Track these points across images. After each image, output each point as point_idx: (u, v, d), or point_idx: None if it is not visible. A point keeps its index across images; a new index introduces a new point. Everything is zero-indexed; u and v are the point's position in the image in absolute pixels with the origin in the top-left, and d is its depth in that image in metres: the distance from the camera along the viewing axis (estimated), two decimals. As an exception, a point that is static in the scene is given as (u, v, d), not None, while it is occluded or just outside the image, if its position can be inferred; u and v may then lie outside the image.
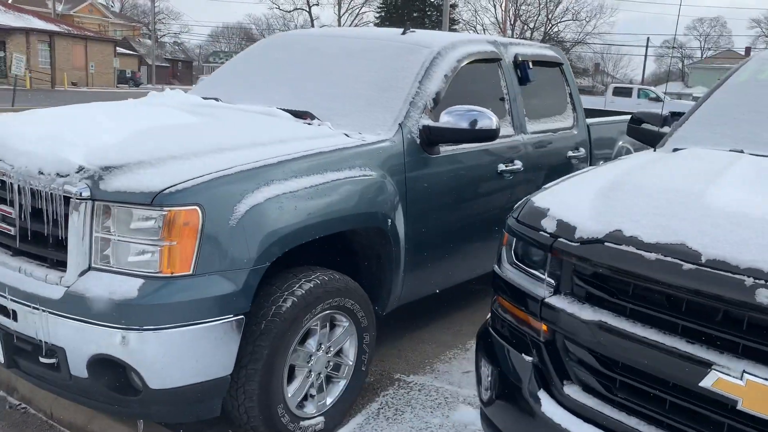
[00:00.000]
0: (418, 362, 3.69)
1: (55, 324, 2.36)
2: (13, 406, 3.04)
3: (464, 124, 3.17)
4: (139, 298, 2.27)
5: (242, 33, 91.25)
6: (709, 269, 1.63)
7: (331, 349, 2.92)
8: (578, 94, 4.73)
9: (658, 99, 27.85)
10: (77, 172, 2.36)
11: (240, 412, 2.63)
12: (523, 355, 2.10)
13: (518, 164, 3.89)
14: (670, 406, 1.75)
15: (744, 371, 1.55)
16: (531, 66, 4.15)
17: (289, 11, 72.26)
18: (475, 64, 3.76)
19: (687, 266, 1.67)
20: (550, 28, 56.55)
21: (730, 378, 1.57)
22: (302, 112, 3.26)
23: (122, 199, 2.30)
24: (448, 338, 4.03)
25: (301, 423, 2.80)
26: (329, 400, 2.95)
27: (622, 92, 28.17)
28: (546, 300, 2.00)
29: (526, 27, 55.75)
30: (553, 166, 4.30)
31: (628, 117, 5.63)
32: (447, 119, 3.22)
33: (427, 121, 3.27)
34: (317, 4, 76.90)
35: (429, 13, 53.47)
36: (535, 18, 56.50)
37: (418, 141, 3.24)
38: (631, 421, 1.82)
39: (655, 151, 2.95)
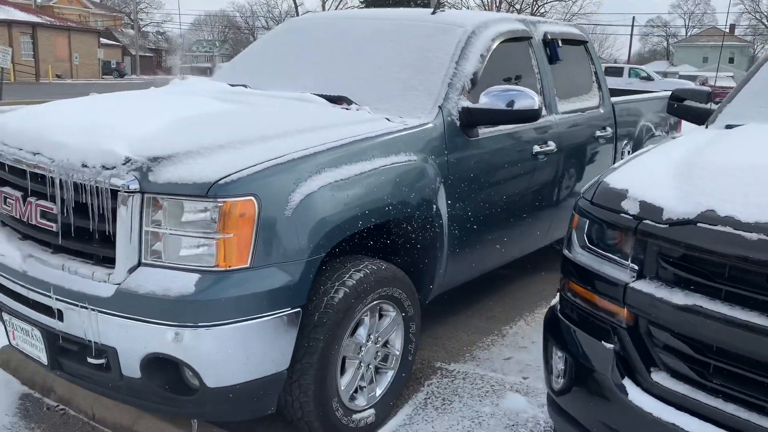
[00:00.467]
0: (457, 350, 3.62)
1: (105, 323, 2.26)
2: (51, 407, 2.95)
3: (506, 105, 3.08)
4: (196, 294, 2.17)
5: (225, 20, 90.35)
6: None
7: (380, 339, 2.84)
8: (603, 72, 4.65)
9: (649, 78, 27.85)
10: (124, 164, 2.24)
11: (294, 408, 2.55)
12: (602, 342, 2.02)
13: (552, 145, 3.81)
14: (774, 390, 1.68)
15: None
16: (560, 44, 4.06)
17: (273, -3, 71.62)
18: (508, 44, 3.66)
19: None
20: (537, 8, 56.28)
21: None
22: (337, 97, 3.15)
23: (174, 191, 2.20)
24: (483, 324, 3.97)
25: (354, 416, 2.73)
26: (378, 392, 2.88)
27: (613, 72, 28.07)
28: (630, 285, 1.92)
29: (512, 8, 55.43)
30: (583, 146, 4.23)
31: (651, 94, 5.58)
32: (486, 100, 3.13)
33: (466, 103, 3.18)
34: (301, -10, 76.19)
35: (414, -4, 52.99)
36: (521, -1, 56.25)
37: (458, 123, 3.15)
38: (729, 407, 1.75)
39: (707, 128, 2.88)
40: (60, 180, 2.34)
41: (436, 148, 3.01)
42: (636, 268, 1.95)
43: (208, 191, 2.17)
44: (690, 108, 3.22)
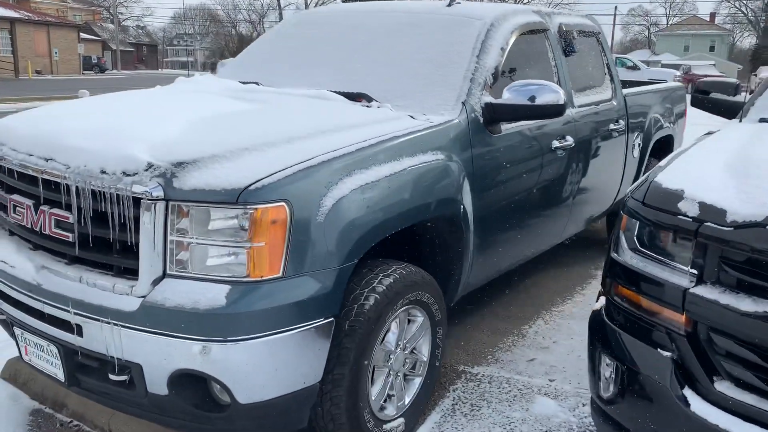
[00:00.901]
0: (478, 352, 3.53)
1: (129, 338, 2.14)
2: (65, 423, 2.81)
3: (530, 100, 2.97)
4: (227, 307, 2.05)
5: (206, 14, 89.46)
6: None
7: (407, 346, 2.74)
8: (615, 64, 4.56)
9: (635, 67, 27.90)
10: (146, 170, 2.11)
11: (325, 421, 2.44)
12: (658, 350, 1.93)
13: (570, 140, 3.72)
14: None
15: None
16: (576, 36, 3.96)
17: (255, -10, 71.03)
18: (525, 36, 3.56)
19: None
20: (520, -1, 56.18)
21: None
22: (356, 94, 3.03)
23: (201, 198, 2.07)
24: (501, 324, 3.88)
25: (384, 426, 2.63)
26: (407, 400, 2.78)
27: (599, 61, 28.00)
28: (691, 290, 1.83)
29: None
30: (599, 139, 4.14)
31: (658, 86, 5.51)
32: (510, 95, 3.03)
33: (489, 99, 3.07)
34: (283, -18, 75.62)
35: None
36: (505, -11, 56.13)
37: (481, 120, 3.04)
38: (802, 418, 1.68)
39: (740, 122, 2.80)
40: (77, 187, 2.20)
41: (461, 145, 2.91)
42: (695, 272, 1.86)
43: (238, 198, 2.05)
44: (717, 101, 3.14)
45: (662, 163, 2.22)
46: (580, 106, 3.96)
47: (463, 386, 3.16)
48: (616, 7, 63.21)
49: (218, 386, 2.17)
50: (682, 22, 76.42)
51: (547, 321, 3.94)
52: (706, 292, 1.81)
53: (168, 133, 2.32)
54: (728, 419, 1.76)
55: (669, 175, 2.06)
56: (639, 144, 4.85)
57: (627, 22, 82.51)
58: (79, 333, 2.24)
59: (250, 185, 2.07)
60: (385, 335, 2.58)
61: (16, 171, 2.41)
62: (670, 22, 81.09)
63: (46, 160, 2.30)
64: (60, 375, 2.40)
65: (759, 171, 1.92)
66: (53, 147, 2.32)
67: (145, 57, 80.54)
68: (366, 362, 2.43)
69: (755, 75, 39.63)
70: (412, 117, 2.84)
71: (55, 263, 2.37)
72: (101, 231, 2.21)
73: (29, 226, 2.39)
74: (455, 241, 2.92)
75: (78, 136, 2.32)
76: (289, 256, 2.12)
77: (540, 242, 3.87)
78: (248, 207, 2.05)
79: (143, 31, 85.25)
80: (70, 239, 2.27)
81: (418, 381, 2.83)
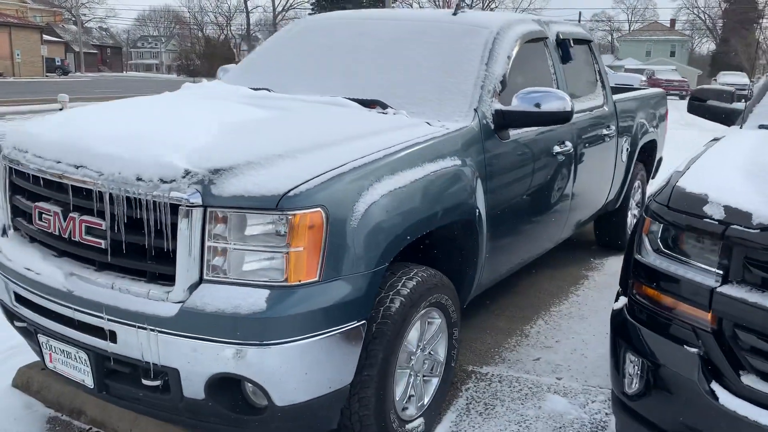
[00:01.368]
0: (484, 352, 3.61)
1: (166, 344, 2.16)
2: (83, 430, 2.81)
3: (539, 107, 3.07)
4: (268, 311, 2.09)
5: (171, 15, 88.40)
6: None
7: (426, 347, 2.80)
8: (606, 71, 4.70)
9: (602, 72, 28.33)
10: (183, 177, 2.14)
11: (353, 422, 2.49)
12: (684, 346, 2.03)
13: (569, 145, 3.83)
14: None
15: None
16: (572, 44, 4.08)
17: (221, -8, 70.49)
18: (528, 44, 3.66)
19: None
20: (488, 4, 56.88)
21: None
22: (370, 100, 3.09)
23: (240, 204, 2.11)
24: (503, 325, 3.97)
25: (406, 426, 2.69)
26: (426, 400, 2.84)
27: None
28: (718, 289, 1.94)
29: (463, 3, 55.92)
30: (593, 144, 4.27)
31: (643, 92, 5.67)
32: (519, 102, 3.12)
33: (498, 106, 3.16)
34: (250, -15, 75.18)
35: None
36: (472, -6, 56.69)
37: (492, 126, 3.13)
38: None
39: (741, 128, 2.93)
40: (110, 194, 2.21)
41: (475, 151, 2.99)
42: (720, 272, 1.96)
43: (277, 204, 2.09)
44: (714, 108, 3.28)
45: (680, 168, 2.33)
46: (577, 112, 4.07)
47: (475, 386, 3.24)
48: (580, 12, 64.34)
49: (254, 389, 2.21)
50: (644, 28, 78.24)
51: (547, 321, 4.05)
52: (733, 290, 1.91)
53: (199, 140, 2.34)
54: (756, 410, 1.86)
55: (690, 179, 2.16)
56: (627, 148, 5.00)
57: (591, 28, 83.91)
58: (113, 339, 2.25)
59: (288, 191, 2.11)
60: (407, 337, 2.64)
61: (44, 178, 2.41)
62: (632, 28, 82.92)
63: (77, 167, 2.30)
64: (88, 381, 2.40)
65: (776, 175, 2.03)
66: (83, 154, 2.32)
67: (108, 59, 79.22)
68: (393, 364, 2.49)
69: (715, 80, 40.83)
70: (428, 123, 2.91)
71: (84, 270, 2.37)
72: (135, 237, 2.22)
73: (57, 233, 2.39)
74: (470, 242, 2.99)
75: (108, 143, 2.33)
76: (325, 260, 2.17)
77: (544, 243, 4.00)
78: (287, 213, 2.09)
79: (106, 33, 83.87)
80: (102, 246, 2.28)
81: (435, 381, 2.90)
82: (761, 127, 2.85)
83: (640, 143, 5.25)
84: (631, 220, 5.57)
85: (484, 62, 3.27)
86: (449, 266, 3.01)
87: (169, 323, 2.13)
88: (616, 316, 2.33)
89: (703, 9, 73.94)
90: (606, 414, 3.00)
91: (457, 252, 3.00)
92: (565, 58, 4.04)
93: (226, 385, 2.19)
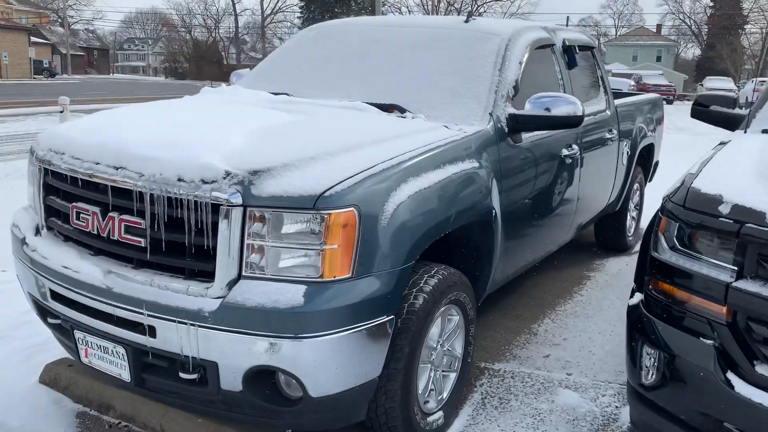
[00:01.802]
0: (495, 350, 3.72)
1: (205, 338, 2.25)
2: (113, 424, 2.88)
3: (551, 111, 3.20)
4: (305, 305, 2.19)
5: (158, 18, 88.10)
6: None
7: (445, 343, 2.91)
8: (607, 76, 4.84)
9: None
10: (224, 178, 2.23)
11: (378, 414, 2.59)
12: (700, 338, 2.15)
13: (575, 148, 3.96)
14: None
15: None
16: (577, 51, 4.22)
17: (209, -5, 70.30)
18: (537, 51, 3.78)
19: None
20: (476, 9, 57.19)
21: None
22: (389, 105, 3.20)
23: (278, 203, 2.21)
24: (512, 323, 4.08)
25: (428, 419, 2.80)
26: (445, 394, 2.95)
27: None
28: (734, 285, 2.06)
29: (451, 7, 56.17)
30: (597, 148, 4.40)
31: (640, 97, 5.81)
32: (531, 107, 3.24)
33: (512, 110, 3.28)
34: (238, -13, 75.17)
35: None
36: (461, -1, 57.02)
37: (506, 130, 3.25)
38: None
39: (745, 132, 3.07)
40: (151, 195, 2.30)
41: (491, 153, 3.10)
42: (735, 268, 2.08)
43: (314, 204, 2.19)
44: (717, 113, 3.41)
45: (692, 170, 2.45)
46: (582, 117, 4.20)
47: (489, 381, 3.35)
48: (567, 17, 65.00)
49: (289, 381, 2.31)
50: (631, 33, 78.87)
51: (554, 320, 4.17)
52: (747, 285, 2.04)
53: (234, 142, 2.44)
54: (769, 397, 1.99)
55: (704, 181, 2.29)
56: (627, 152, 5.14)
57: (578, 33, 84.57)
58: (152, 334, 2.34)
59: (324, 192, 2.21)
60: (429, 333, 2.75)
61: (81, 179, 2.50)
62: (619, 33, 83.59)
63: (116, 168, 2.39)
64: (125, 375, 2.49)
65: (786, 177, 2.16)
66: (122, 156, 2.41)
67: (95, 61, 78.83)
68: (417, 358, 2.60)
69: (701, 85, 41.29)
70: (446, 127, 3.02)
71: (121, 268, 2.46)
72: (175, 236, 2.31)
73: (95, 232, 2.47)
74: (487, 241, 3.11)
75: (146, 145, 2.42)
76: (358, 257, 2.27)
77: (552, 243, 4.12)
78: (323, 212, 2.20)
79: (93, 35, 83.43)
80: (142, 244, 2.37)
81: (453, 376, 3.00)
82: (765, 131, 2.98)
83: (640, 147, 5.40)
84: (630, 223, 5.71)
85: (498, 68, 3.38)
86: (466, 265, 3.12)
87: (210, 318, 2.23)
88: (633, 311, 2.45)
89: (688, 14, 74.84)
90: (616, 407, 3.12)
91: (473, 251, 3.11)
92: (571, 63, 4.17)
93: (262, 378, 2.29)
